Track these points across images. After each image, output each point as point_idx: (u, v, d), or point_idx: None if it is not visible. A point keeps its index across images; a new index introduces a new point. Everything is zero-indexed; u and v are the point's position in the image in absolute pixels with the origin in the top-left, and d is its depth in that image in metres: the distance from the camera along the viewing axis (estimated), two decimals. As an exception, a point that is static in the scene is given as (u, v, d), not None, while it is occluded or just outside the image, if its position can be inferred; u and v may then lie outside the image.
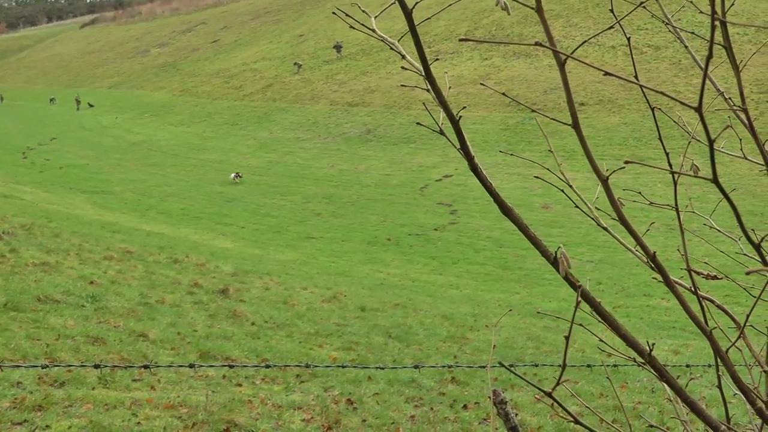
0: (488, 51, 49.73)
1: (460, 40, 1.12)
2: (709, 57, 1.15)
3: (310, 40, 66.69)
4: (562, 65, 1.15)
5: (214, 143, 45.72)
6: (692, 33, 1.81)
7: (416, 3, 1.13)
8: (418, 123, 1.23)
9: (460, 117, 1.20)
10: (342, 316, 12.37)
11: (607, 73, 1.11)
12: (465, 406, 7.89)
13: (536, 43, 1.09)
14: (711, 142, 1.27)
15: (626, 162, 1.28)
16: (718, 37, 1.60)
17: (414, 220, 27.17)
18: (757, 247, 1.50)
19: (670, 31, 1.79)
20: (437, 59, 1.26)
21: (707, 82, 1.73)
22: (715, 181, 1.27)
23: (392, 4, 1.17)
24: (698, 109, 1.20)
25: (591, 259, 21.18)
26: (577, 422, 1.46)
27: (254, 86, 58.04)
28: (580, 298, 1.22)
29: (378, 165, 36.95)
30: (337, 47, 58.19)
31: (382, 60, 52.72)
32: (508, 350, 11.05)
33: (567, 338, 1.29)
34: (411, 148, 38.33)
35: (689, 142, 1.62)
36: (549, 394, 1.32)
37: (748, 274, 1.06)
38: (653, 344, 1.34)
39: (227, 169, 37.97)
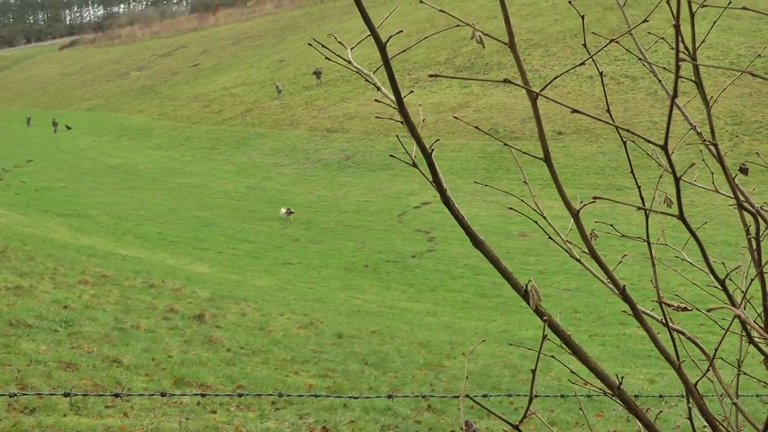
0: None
1: (430, 75, 1.13)
2: (674, 96, 1.17)
3: (290, 66, 66.86)
4: (534, 101, 1.17)
5: (193, 167, 45.59)
6: (664, 68, 1.84)
7: (390, 37, 1.14)
8: (391, 155, 1.24)
9: (433, 150, 1.21)
10: (318, 342, 12.32)
11: (574, 111, 1.13)
12: (440, 435, 7.87)
13: (505, 80, 1.10)
14: (677, 179, 1.29)
15: (594, 198, 1.29)
16: (690, 72, 1.63)
17: (392, 246, 27.17)
18: (722, 283, 1.51)
19: (644, 65, 1.82)
20: (411, 92, 1.27)
21: (684, 114, 1.76)
22: (681, 217, 1.29)
23: (366, 37, 1.18)
24: (664, 147, 1.21)
25: (568, 288, 21.25)
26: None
27: (233, 111, 58.03)
28: (547, 331, 1.23)
29: (356, 191, 36.97)
30: (317, 73, 58.38)
31: (361, 87, 52.93)
32: (485, 378, 11.04)
33: (533, 371, 1.29)
34: (389, 174, 38.40)
35: (661, 176, 1.64)
36: (516, 427, 1.32)
37: (709, 311, 1.07)
38: (622, 377, 1.34)
39: (205, 194, 37.82)
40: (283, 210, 31.93)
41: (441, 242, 27.31)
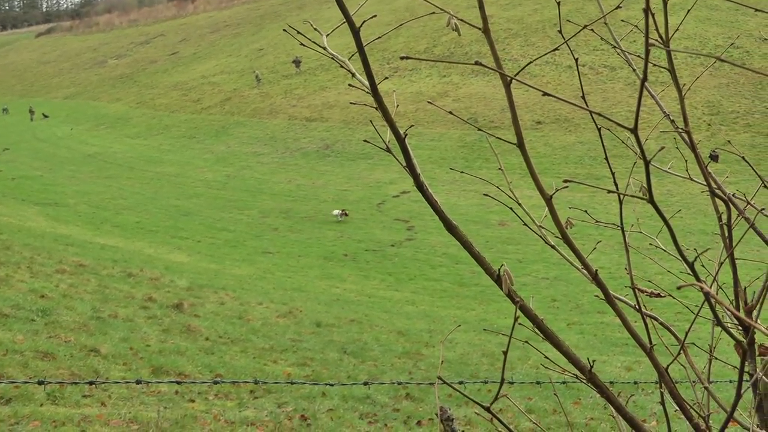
0: (447, 68, 50.08)
1: (401, 57, 1.14)
2: (644, 79, 1.18)
3: (269, 55, 66.58)
4: (507, 86, 1.17)
5: (171, 156, 45.35)
6: (639, 57, 1.85)
7: (363, 22, 1.14)
8: (365, 141, 1.24)
9: (407, 135, 1.21)
10: (297, 331, 12.32)
11: (545, 94, 1.13)
12: (419, 423, 7.90)
13: (476, 63, 1.10)
14: (647, 163, 1.30)
15: (565, 181, 1.30)
16: (663, 59, 1.64)
17: (371, 236, 27.17)
18: (691, 266, 1.53)
19: (618, 54, 1.83)
20: (386, 78, 1.27)
21: (654, 97, 1.77)
22: (650, 201, 1.30)
23: (342, 24, 1.18)
24: (633, 130, 1.23)
25: (546, 276, 21.35)
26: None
27: (212, 99, 57.73)
28: (518, 313, 1.24)
29: (336, 180, 36.93)
30: (296, 62, 58.15)
31: (340, 75, 52.80)
32: (463, 366, 11.09)
33: (505, 353, 1.31)
34: (369, 164, 38.39)
35: (635, 163, 1.65)
36: (487, 409, 1.34)
37: (679, 288, 1.09)
38: (593, 361, 1.36)
39: (184, 183, 37.62)
40: (337, 211, 29.53)
41: (420, 231, 27.35)
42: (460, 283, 21.13)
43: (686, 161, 1.94)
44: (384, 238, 26.69)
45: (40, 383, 3.55)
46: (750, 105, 38.67)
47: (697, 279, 1.47)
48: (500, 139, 1.38)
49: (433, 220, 27.64)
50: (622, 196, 1.54)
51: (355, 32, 1.12)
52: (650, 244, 2.05)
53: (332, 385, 6.00)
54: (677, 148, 1.99)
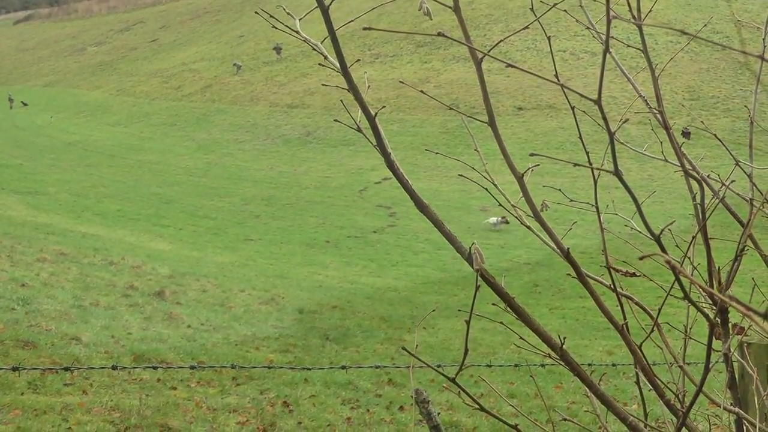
0: (428, 55, 50.00)
1: (364, 28, 1.14)
2: (606, 50, 1.18)
3: (249, 41, 66.19)
4: (478, 64, 1.17)
5: (152, 144, 45.09)
6: (621, 42, 1.85)
7: (332, 1, 1.14)
8: (335, 120, 1.24)
9: (377, 114, 1.21)
10: (279, 318, 12.32)
11: (509, 65, 1.13)
12: (401, 408, 7.93)
13: (439, 34, 1.10)
14: (611, 134, 1.30)
15: (531, 154, 1.31)
16: (650, 44, 1.65)
17: (353, 222, 27.15)
18: (657, 239, 1.54)
19: (594, 36, 1.83)
20: (358, 60, 1.27)
21: (621, 68, 1.77)
22: (615, 173, 1.31)
23: (315, 8, 1.18)
24: (597, 101, 1.23)
25: (528, 262, 21.42)
26: (482, 409, 1.49)
27: (193, 87, 57.37)
28: (479, 282, 1.24)
29: (317, 167, 36.84)
30: (277, 49, 57.81)
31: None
32: (445, 352, 11.13)
33: (467, 322, 1.32)
34: (350, 150, 38.30)
35: (608, 145, 1.66)
36: (452, 380, 1.35)
37: (641, 259, 1.10)
38: (564, 338, 1.36)
39: (165, 171, 37.41)
40: (495, 219, 24.33)
41: (402, 217, 27.35)
42: (443, 269, 21.16)
43: (661, 142, 1.94)
44: (366, 225, 26.68)
45: (14, 369, 3.53)
46: (730, 90, 38.90)
47: (663, 250, 1.48)
48: (472, 118, 1.38)
49: (414, 207, 27.60)
50: (596, 174, 1.55)
51: (324, 10, 1.12)
52: (625, 225, 2.06)
53: (310, 369, 6.00)
54: (653, 130, 2.00)
